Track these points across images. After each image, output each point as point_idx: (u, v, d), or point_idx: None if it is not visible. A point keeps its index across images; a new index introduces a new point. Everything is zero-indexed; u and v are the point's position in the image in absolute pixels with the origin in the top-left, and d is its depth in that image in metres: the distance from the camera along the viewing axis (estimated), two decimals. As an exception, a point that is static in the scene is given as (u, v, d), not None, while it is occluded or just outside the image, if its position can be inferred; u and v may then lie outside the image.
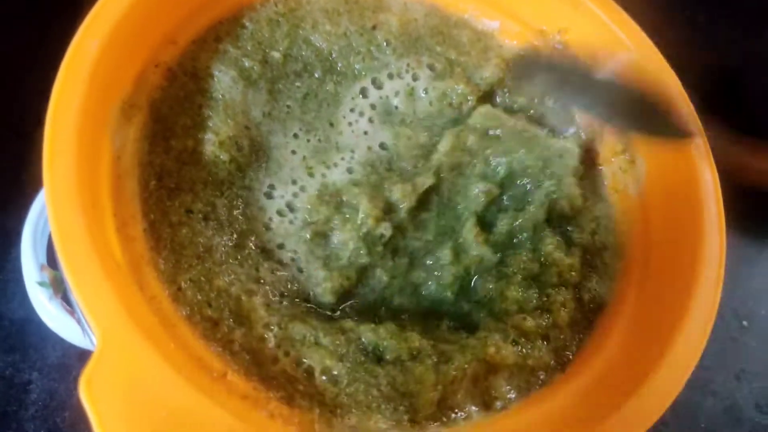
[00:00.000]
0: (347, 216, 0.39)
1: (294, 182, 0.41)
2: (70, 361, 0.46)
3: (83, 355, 0.45)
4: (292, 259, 0.39)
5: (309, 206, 0.40)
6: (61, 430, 0.44)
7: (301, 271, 0.38)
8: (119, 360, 0.28)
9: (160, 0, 0.38)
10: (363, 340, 0.35)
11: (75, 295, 0.29)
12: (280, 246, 0.39)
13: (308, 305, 0.38)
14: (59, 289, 0.42)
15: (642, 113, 0.42)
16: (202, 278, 0.35)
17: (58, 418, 0.45)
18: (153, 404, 0.28)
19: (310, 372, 0.34)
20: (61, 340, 0.45)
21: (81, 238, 0.30)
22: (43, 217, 0.45)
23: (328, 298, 0.37)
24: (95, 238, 0.30)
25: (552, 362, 0.38)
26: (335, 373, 0.34)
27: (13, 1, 0.57)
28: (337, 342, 0.35)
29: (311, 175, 0.41)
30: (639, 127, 0.43)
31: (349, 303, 0.39)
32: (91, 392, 0.27)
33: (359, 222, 0.39)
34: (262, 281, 0.37)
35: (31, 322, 0.47)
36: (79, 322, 0.32)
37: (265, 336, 0.35)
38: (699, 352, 0.36)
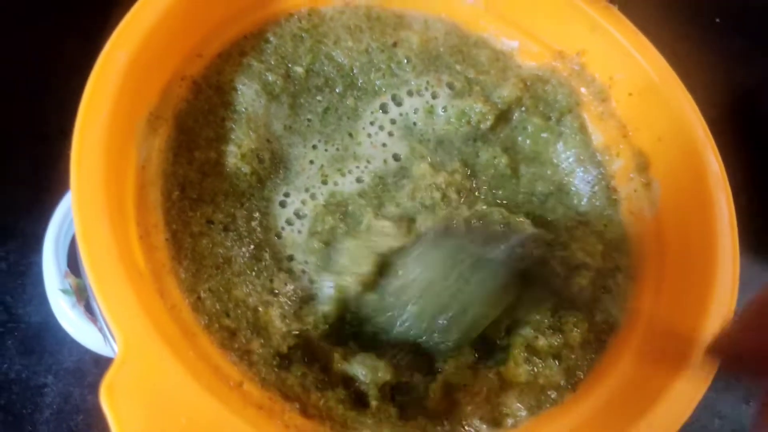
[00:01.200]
0: (351, 226, 0.40)
1: (306, 190, 0.41)
2: (86, 365, 0.47)
3: (99, 361, 0.46)
4: (303, 271, 0.39)
5: (315, 214, 0.40)
6: (75, 434, 0.45)
7: (311, 282, 0.39)
8: (140, 367, 0.29)
9: (188, 14, 0.39)
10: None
11: (98, 301, 0.29)
12: (290, 258, 0.39)
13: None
14: (82, 296, 0.43)
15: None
16: (221, 288, 0.36)
17: (72, 422, 0.45)
18: (172, 412, 0.28)
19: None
20: (77, 345, 0.45)
21: (106, 245, 0.30)
22: (66, 223, 0.46)
23: (330, 308, 0.38)
24: (120, 245, 0.31)
25: (563, 382, 0.39)
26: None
27: (36, 9, 0.58)
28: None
29: (325, 182, 0.42)
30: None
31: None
32: (111, 398, 0.28)
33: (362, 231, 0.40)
34: (276, 292, 0.38)
35: (48, 326, 0.47)
36: (101, 330, 0.32)
37: (282, 348, 0.35)
38: (710, 377, 0.36)
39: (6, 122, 0.54)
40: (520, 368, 0.37)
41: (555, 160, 0.46)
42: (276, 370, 0.34)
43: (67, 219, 0.46)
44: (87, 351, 0.45)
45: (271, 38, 0.44)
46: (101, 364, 0.46)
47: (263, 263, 0.38)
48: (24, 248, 0.50)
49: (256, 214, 0.40)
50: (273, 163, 0.41)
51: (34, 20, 0.58)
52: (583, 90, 0.47)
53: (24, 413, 0.45)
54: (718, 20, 0.73)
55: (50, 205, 0.49)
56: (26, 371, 0.46)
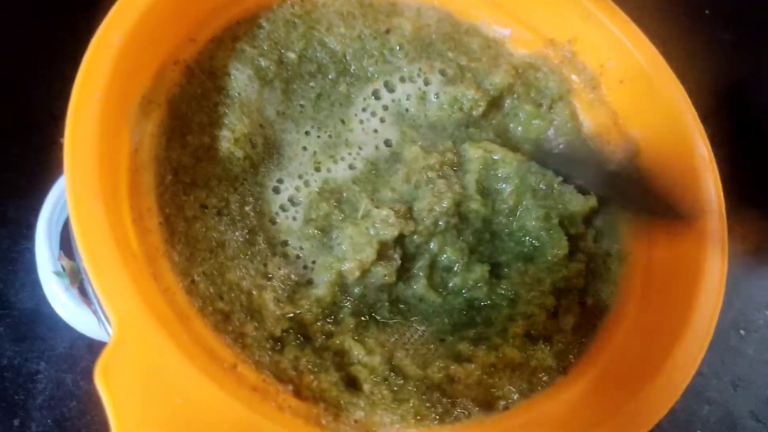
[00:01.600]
0: (346, 213, 0.40)
1: (300, 176, 0.42)
2: (79, 351, 0.46)
3: (92, 346, 0.46)
4: (298, 256, 0.39)
5: (309, 201, 0.41)
6: (68, 420, 0.45)
7: (305, 267, 0.39)
8: (135, 348, 0.29)
9: (181, -2, 0.39)
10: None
11: (93, 283, 0.29)
12: (284, 243, 0.40)
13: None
14: (76, 279, 0.42)
15: (652, 201, 0.42)
16: (215, 272, 0.36)
17: (65, 408, 0.45)
18: (167, 392, 0.28)
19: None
20: (70, 331, 0.45)
21: (100, 228, 0.30)
22: (59, 206, 0.46)
23: (324, 292, 0.38)
24: (114, 228, 0.31)
25: (554, 364, 0.39)
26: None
27: None
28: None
29: (318, 169, 0.42)
30: (649, 213, 0.43)
31: (350, 302, 0.39)
32: (106, 379, 0.28)
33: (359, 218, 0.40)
34: (270, 276, 0.38)
35: (40, 312, 0.47)
36: (95, 313, 0.32)
37: (275, 331, 0.35)
38: (698, 361, 0.37)
39: None
40: (515, 349, 0.38)
41: (546, 147, 0.46)
42: (269, 353, 0.35)
43: (60, 202, 0.46)
44: (80, 337, 0.45)
45: (264, 24, 0.43)
46: (94, 349, 0.46)
47: (257, 248, 0.38)
48: (15, 235, 0.50)
49: (250, 199, 0.40)
50: (266, 149, 0.41)
51: (21, 11, 0.57)
52: (574, 77, 0.47)
53: (17, 399, 0.45)
54: (707, 12, 0.74)
55: (40, 191, 0.49)
56: (18, 358, 0.46)
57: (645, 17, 0.46)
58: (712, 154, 0.42)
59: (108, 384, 0.27)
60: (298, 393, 0.33)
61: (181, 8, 0.39)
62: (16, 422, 0.44)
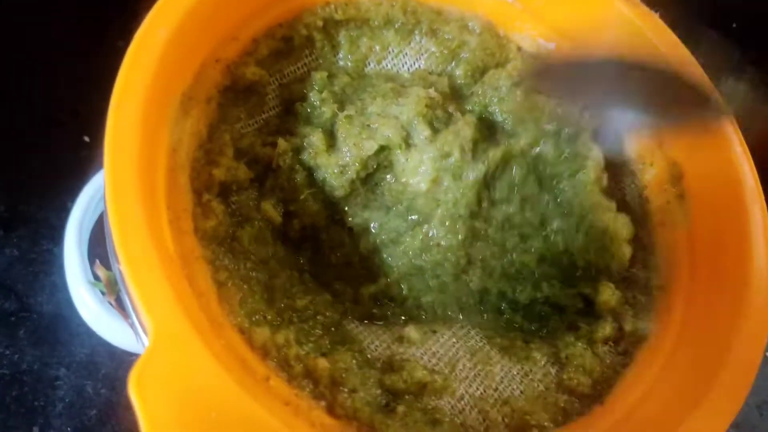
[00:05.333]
0: None
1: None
2: (100, 358, 0.45)
3: (113, 353, 0.45)
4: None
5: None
6: (88, 428, 0.43)
7: None
8: (171, 357, 0.27)
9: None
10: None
11: (129, 287, 0.28)
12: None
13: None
14: (113, 290, 0.40)
15: (672, 96, 0.39)
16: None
17: (85, 417, 0.44)
18: (203, 404, 0.27)
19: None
20: (91, 337, 0.44)
21: (139, 229, 0.29)
22: (89, 211, 0.45)
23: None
24: (152, 229, 0.30)
25: (590, 392, 0.38)
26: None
27: None
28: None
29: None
30: (671, 115, 0.40)
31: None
32: (140, 388, 0.26)
33: None
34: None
35: (61, 316, 0.46)
36: (132, 326, 0.31)
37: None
38: (742, 399, 0.35)
39: (14, 106, 0.52)
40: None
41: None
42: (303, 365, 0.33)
43: (90, 206, 0.45)
44: (101, 343, 0.44)
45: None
46: (115, 356, 0.45)
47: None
48: (36, 235, 0.49)
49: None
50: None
51: (43, 8, 0.57)
52: (618, 96, 0.46)
53: (36, 406, 0.44)
54: (734, 25, 0.72)
55: (60, 190, 0.48)
56: (38, 363, 0.45)
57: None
58: (759, 183, 0.41)
59: (142, 394, 0.26)
60: (331, 410, 0.32)
61: (225, 5, 0.38)
62: (35, 429, 0.43)
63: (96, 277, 0.43)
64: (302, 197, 0.39)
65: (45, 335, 0.46)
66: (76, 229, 0.44)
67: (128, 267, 0.28)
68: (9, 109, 0.52)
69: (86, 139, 0.51)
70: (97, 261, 0.41)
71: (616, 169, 0.45)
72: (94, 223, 0.46)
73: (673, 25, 0.43)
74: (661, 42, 0.45)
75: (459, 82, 0.45)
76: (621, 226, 0.42)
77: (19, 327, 0.46)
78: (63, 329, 0.46)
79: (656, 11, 0.43)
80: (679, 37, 0.44)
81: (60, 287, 0.45)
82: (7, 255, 0.48)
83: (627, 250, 0.42)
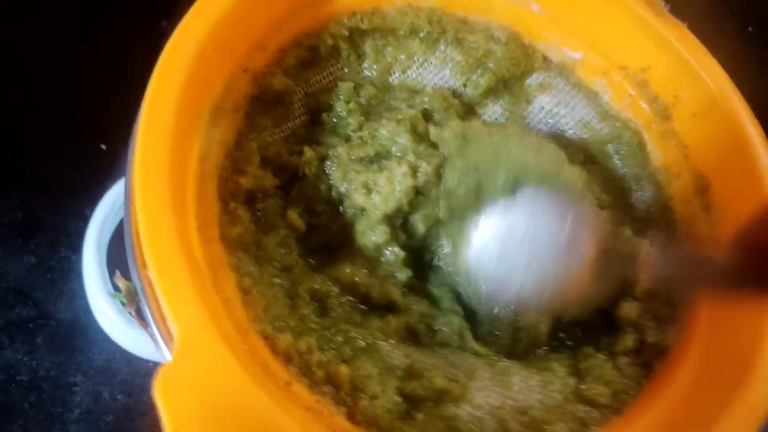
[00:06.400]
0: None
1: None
2: (117, 364, 0.46)
3: (130, 360, 0.45)
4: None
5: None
6: (105, 435, 0.44)
7: None
8: (197, 362, 0.28)
9: (256, 4, 0.38)
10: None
11: (157, 293, 0.29)
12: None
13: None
14: (133, 301, 0.41)
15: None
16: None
17: (102, 423, 0.44)
18: (227, 409, 0.28)
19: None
20: (108, 343, 0.45)
21: (168, 235, 0.30)
22: (109, 220, 0.45)
23: None
24: (181, 236, 0.31)
25: (610, 402, 0.38)
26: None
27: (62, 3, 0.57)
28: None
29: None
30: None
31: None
32: (166, 393, 0.27)
33: None
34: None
35: (78, 323, 0.47)
36: (152, 336, 0.31)
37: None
38: (764, 413, 0.35)
39: (32, 115, 0.53)
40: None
41: (614, 175, 0.45)
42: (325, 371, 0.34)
43: (109, 217, 0.45)
44: (118, 350, 0.45)
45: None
46: (132, 363, 0.45)
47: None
48: (54, 242, 0.49)
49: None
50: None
51: (60, 16, 0.57)
52: (644, 106, 0.46)
53: (54, 412, 0.44)
54: (750, 29, 0.70)
55: (78, 198, 0.49)
56: (56, 369, 0.45)
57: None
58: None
59: (167, 397, 0.27)
60: (351, 417, 0.33)
61: (254, 14, 0.39)
62: (53, 435, 0.43)
63: (116, 288, 0.44)
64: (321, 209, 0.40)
65: (62, 342, 0.46)
66: (96, 238, 0.45)
67: (157, 273, 0.29)
68: (27, 118, 0.53)
69: (103, 147, 0.51)
70: (117, 272, 0.42)
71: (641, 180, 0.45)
72: (113, 233, 0.46)
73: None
74: (689, 52, 0.44)
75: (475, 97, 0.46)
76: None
77: (37, 334, 0.46)
78: (80, 336, 0.46)
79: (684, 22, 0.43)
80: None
81: (78, 294, 0.46)
82: (25, 262, 0.49)
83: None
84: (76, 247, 0.47)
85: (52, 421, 0.44)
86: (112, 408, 0.45)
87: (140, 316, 0.41)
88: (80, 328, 0.46)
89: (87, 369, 0.46)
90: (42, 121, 0.53)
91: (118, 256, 0.35)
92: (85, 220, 0.47)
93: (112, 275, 0.45)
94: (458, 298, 0.40)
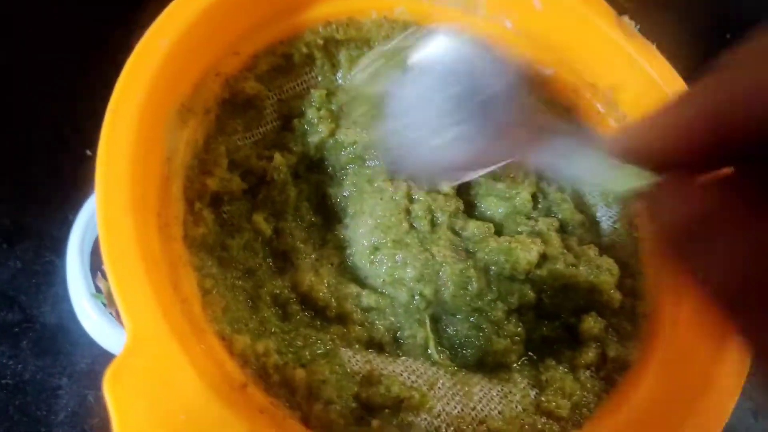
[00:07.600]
0: None
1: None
2: (101, 368, 0.44)
3: (114, 363, 0.45)
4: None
5: None
6: (90, 437, 0.44)
7: None
8: (147, 358, 0.28)
9: (231, 9, 0.39)
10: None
11: (112, 287, 0.29)
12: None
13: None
14: (113, 301, 0.41)
15: None
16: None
17: (87, 425, 0.44)
18: (173, 406, 0.28)
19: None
20: (92, 347, 0.45)
21: (124, 231, 0.30)
22: (91, 225, 0.45)
23: None
24: (139, 233, 0.31)
25: (569, 416, 0.38)
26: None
27: (44, 7, 0.58)
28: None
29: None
30: None
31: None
32: (114, 387, 0.27)
33: None
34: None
35: (63, 327, 0.47)
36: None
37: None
38: (721, 426, 0.35)
39: (17, 120, 0.53)
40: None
41: (579, 192, 0.45)
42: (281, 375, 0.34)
43: (93, 220, 0.45)
44: (102, 353, 0.45)
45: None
46: (117, 367, 0.45)
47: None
48: (38, 247, 0.50)
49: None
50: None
51: (39, 22, 0.58)
52: (613, 124, 0.47)
53: (39, 415, 0.44)
54: (728, 36, 0.71)
55: (63, 203, 0.49)
56: (41, 373, 0.46)
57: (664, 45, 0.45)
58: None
59: (115, 392, 0.27)
60: (306, 421, 0.33)
61: (228, 19, 0.39)
62: (37, 438, 0.43)
63: (98, 289, 0.44)
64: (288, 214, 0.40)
65: (47, 345, 0.46)
66: (78, 242, 0.45)
67: (111, 268, 0.29)
68: (12, 124, 0.53)
69: (88, 153, 0.51)
70: (99, 273, 0.42)
71: (607, 196, 0.45)
72: (96, 236, 0.47)
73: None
74: (659, 74, 0.45)
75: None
76: (607, 277, 0.41)
77: (22, 337, 0.47)
78: (65, 339, 0.46)
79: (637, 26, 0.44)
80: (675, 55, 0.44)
81: (62, 298, 0.46)
82: (11, 267, 0.49)
83: (616, 296, 0.41)
84: (61, 252, 0.48)
85: (37, 424, 0.44)
86: (96, 411, 0.45)
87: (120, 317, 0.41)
88: (65, 331, 0.47)
89: (72, 372, 0.46)
90: (27, 128, 0.54)
91: (102, 258, 0.36)
92: (69, 226, 0.47)
93: (95, 277, 0.45)
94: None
